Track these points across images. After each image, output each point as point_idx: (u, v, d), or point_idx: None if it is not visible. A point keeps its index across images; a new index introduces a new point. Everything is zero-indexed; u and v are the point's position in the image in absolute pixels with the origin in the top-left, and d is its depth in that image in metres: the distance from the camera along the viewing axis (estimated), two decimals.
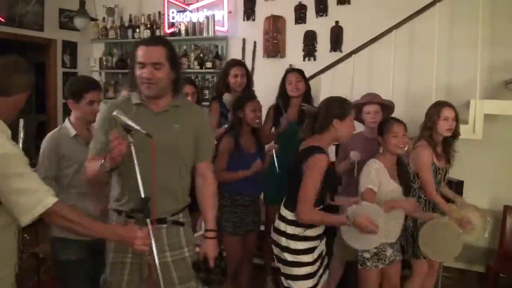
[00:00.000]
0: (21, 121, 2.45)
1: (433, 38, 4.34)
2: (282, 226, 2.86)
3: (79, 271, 2.73)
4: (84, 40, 6.82)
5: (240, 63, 4.20)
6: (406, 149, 3.29)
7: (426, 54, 4.60)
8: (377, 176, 3.13)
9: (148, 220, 2.06)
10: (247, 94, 3.80)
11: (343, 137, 2.90)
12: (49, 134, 2.88)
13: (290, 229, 2.82)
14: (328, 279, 3.61)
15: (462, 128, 3.89)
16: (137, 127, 2.11)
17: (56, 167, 2.79)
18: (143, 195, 2.07)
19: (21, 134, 2.43)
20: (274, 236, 2.92)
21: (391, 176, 3.19)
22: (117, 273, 2.39)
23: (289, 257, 2.82)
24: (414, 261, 3.52)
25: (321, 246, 2.97)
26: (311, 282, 2.83)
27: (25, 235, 4.64)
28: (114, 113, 2.14)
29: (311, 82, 4.52)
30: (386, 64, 4.59)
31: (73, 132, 2.83)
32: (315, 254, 2.87)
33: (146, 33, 6.35)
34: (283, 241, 2.84)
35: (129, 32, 6.51)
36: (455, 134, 3.48)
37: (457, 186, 3.91)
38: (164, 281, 2.14)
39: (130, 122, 2.12)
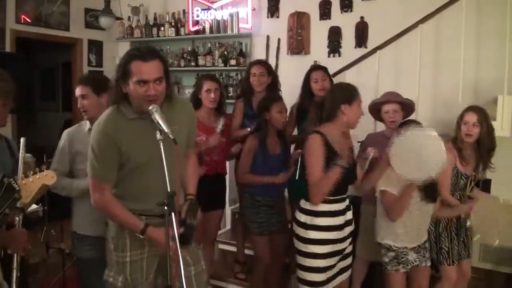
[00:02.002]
0: (22, 140, 2.47)
1: (460, 33, 4.25)
2: (297, 214, 2.90)
3: (93, 269, 2.76)
4: (110, 39, 6.90)
5: (258, 62, 4.16)
6: None
7: (452, 50, 4.51)
8: (397, 178, 3.05)
9: (172, 214, 2.09)
10: (273, 95, 3.80)
11: (352, 122, 2.89)
12: (66, 130, 2.97)
13: (302, 217, 2.86)
14: (352, 280, 3.60)
15: None
16: (167, 130, 2.15)
17: (70, 162, 2.87)
18: (169, 190, 2.10)
19: (21, 151, 2.44)
20: (294, 226, 2.95)
21: None
22: (138, 269, 2.45)
23: (300, 246, 2.84)
24: (441, 267, 3.42)
25: (342, 244, 2.93)
26: (321, 276, 2.80)
27: (52, 231, 4.74)
28: (150, 107, 2.20)
29: (335, 79, 4.49)
30: (412, 60, 4.51)
31: (88, 126, 2.87)
32: (329, 248, 2.83)
33: (171, 32, 6.40)
34: (297, 229, 2.87)
35: (154, 30, 6.55)
36: (484, 141, 3.33)
37: (485, 185, 3.83)
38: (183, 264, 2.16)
39: (162, 123, 2.17)
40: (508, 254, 4.50)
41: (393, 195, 3.05)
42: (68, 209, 3.04)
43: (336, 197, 2.88)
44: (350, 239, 2.98)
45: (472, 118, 3.29)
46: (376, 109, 3.68)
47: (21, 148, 2.45)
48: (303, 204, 2.87)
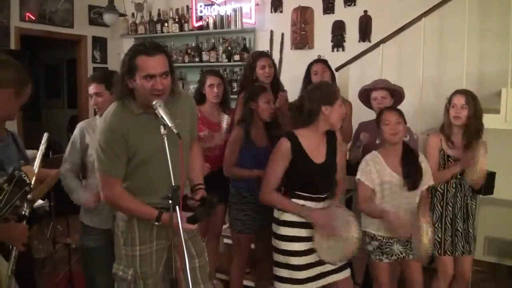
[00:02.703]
0: (45, 135, 2.51)
1: (463, 26, 4.24)
2: (274, 211, 2.90)
3: (97, 258, 2.91)
4: (114, 36, 6.93)
5: (265, 54, 4.16)
6: (405, 138, 3.16)
7: (456, 43, 4.50)
8: (374, 168, 3.06)
9: (177, 207, 2.11)
10: (260, 85, 3.70)
11: (335, 123, 2.81)
12: (79, 123, 3.07)
13: (275, 213, 2.86)
14: (355, 270, 3.57)
15: (494, 117, 3.82)
16: (171, 125, 2.16)
17: (81, 154, 2.97)
18: (173, 183, 2.12)
19: (42, 147, 2.48)
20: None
21: (392, 167, 3.08)
22: (148, 263, 2.49)
23: (273, 242, 2.85)
24: (436, 260, 3.37)
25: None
26: (298, 274, 2.76)
27: (58, 226, 4.78)
28: (155, 102, 2.22)
29: (339, 73, 4.49)
30: (416, 53, 4.51)
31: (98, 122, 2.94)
32: (301, 245, 2.78)
33: (175, 27, 6.43)
34: (272, 225, 2.88)
35: (158, 26, 6.57)
36: (471, 124, 3.25)
37: (489, 177, 3.82)
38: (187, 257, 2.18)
39: (166, 118, 2.18)
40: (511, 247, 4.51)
41: (369, 189, 3.06)
42: (74, 205, 3.11)
43: (311, 195, 2.82)
44: None
45: (459, 100, 3.25)
46: (365, 96, 3.70)
47: (42, 142, 2.50)
48: None
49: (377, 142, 3.20)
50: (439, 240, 3.29)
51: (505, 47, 4.08)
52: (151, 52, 2.25)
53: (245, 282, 4.14)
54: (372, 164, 3.09)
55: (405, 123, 3.13)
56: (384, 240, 3.09)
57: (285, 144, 2.76)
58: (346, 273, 2.91)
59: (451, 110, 3.29)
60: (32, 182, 2.29)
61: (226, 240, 4.76)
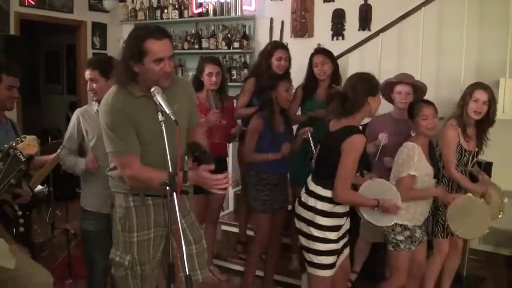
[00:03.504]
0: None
1: (462, 16, 4.24)
2: (311, 201, 2.88)
3: (96, 241, 2.97)
4: (114, 22, 6.90)
5: (285, 46, 4.17)
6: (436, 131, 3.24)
7: (455, 32, 4.50)
8: (419, 161, 3.10)
9: (174, 193, 2.12)
10: (278, 74, 3.82)
11: (374, 112, 2.96)
12: (77, 109, 3.10)
13: (320, 205, 2.85)
14: (354, 259, 3.64)
15: None
16: (169, 112, 2.17)
17: (79, 141, 3.00)
18: (171, 170, 2.13)
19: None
20: (299, 210, 2.95)
21: (428, 158, 3.16)
22: (145, 249, 2.51)
23: (315, 232, 2.84)
24: (435, 240, 3.49)
25: (346, 225, 2.99)
26: (332, 259, 2.87)
27: (57, 212, 4.81)
28: (152, 89, 2.24)
29: (339, 62, 4.48)
30: (415, 42, 4.52)
31: (96, 107, 2.97)
32: (340, 232, 2.90)
33: (174, 14, 6.40)
34: (311, 215, 2.87)
35: (158, 13, 6.55)
36: (488, 119, 3.36)
37: (486, 168, 3.85)
38: (184, 244, 2.20)
39: (164, 105, 2.20)
40: (508, 237, 4.53)
41: (414, 180, 3.12)
42: (73, 190, 3.14)
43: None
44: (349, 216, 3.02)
45: (483, 96, 3.29)
46: (388, 89, 3.68)
47: None
48: (322, 192, 2.85)
49: (412, 135, 3.23)
50: (442, 223, 3.39)
51: (504, 37, 4.09)
52: (159, 36, 2.27)
53: (242, 269, 4.18)
54: (417, 156, 3.11)
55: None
56: (413, 228, 3.16)
57: (363, 141, 2.79)
58: (347, 250, 3.07)
59: (472, 104, 3.31)
60: (34, 153, 2.33)
61: (223, 227, 4.81)
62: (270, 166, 3.58)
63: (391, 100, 3.70)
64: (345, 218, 2.93)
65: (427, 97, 3.48)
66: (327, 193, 2.82)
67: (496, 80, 4.09)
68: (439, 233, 3.41)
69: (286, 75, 4.01)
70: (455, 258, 3.63)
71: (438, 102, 3.27)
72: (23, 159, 2.22)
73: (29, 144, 2.40)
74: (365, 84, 2.85)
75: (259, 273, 4.01)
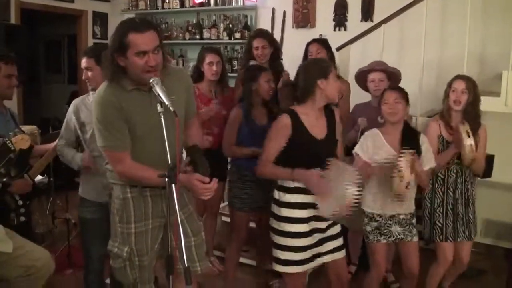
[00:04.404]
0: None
1: (465, 7, 4.21)
2: (275, 192, 2.87)
3: (93, 229, 2.99)
4: (115, 11, 6.88)
5: (261, 34, 4.07)
6: (403, 117, 3.12)
7: (458, 24, 4.47)
8: (372, 144, 3.07)
9: (173, 185, 2.11)
10: (258, 66, 3.73)
11: (332, 95, 2.80)
12: (74, 100, 3.06)
13: (276, 194, 2.84)
14: (349, 252, 3.58)
15: (494, 100, 3.81)
16: (167, 103, 2.15)
17: (76, 131, 2.98)
18: (169, 161, 2.11)
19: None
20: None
21: (391, 144, 3.08)
22: (143, 240, 2.49)
23: (274, 223, 2.83)
24: (435, 245, 3.37)
25: (319, 224, 2.83)
26: (298, 256, 2.77)
27: (58, 202, 4.82)
28: (151, 80, 2.21)
29: (340, 53, 4.46)
30: (417, 34, 4.48)
31: (91, 99, 2.93)
32: (304, 227, 2.77)
33: (175, 3, 6.38)
34: (272, 206, 2.87)
35: (159, 2, 6.53)
36: (467, 111, 3.25)
37: (488, 160, 3.83)
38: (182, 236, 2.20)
39: (163, 96, 2.17)
40: (508, 229, 4.53)
41: (362, 162, 3.07)
42: (73, 181, 3.14)
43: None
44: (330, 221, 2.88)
45: (460, 85, 3.25)
46: (362, 78, 3.69)
47: None
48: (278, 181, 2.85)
49: (380, 121, 3.19)
50: (440, 225, 3.31)
51: (507, 29, 4.05)
52: (141, 29, 2.22)
53: (243, 260, 4.19)
54: (371, 139, 3.10)
55: (407, 103, 3.12)
56: (383, 221, 3.11)
57: (285, 120, 2.74)
58: (342, 253, 2.93)
59: (451, 94, 3.28)
60: (26, 147, 2.33)
61: (224, 218, 4.80)
62: (251, 163, 3.30)
63: (366, 89, 3.71)
64: (303, 210, 2.77)
65: (428, 88, 3.48)
66: (280, 181, 2.83)
67: (499, 73, 4.06)
68: (437, 236, 3.31)
69: (277, 63, 3.98)
70: (460, 267, 3.51)
71: (439, 93, 3.26)
72: (12, 148, 2.23)
73: (22, 139, 2.43)
74: (314, 67, 2.80)
75: (252, 262, 4.07)
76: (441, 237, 3.31)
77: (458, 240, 3.31)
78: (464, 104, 3.24)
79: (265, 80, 3.45)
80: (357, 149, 3.14)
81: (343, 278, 2.99)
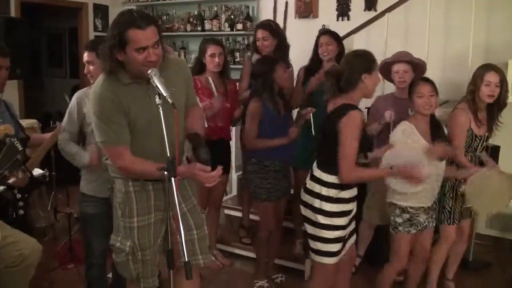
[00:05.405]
0: None
1: None
2: (317, 187, 2.81)
3: (94, 224, 2.98)
4: (115, 3, 6.82)
5: (261, 26, 4.02)
6: (435, 110, 3.15)
7: (463, 13, 4.41)
8: (404, 137, 3.04)
9: (172, 178, 2.08)
10: (271, 57, 3.71)
11: (371, 91, 2.84)
12: (76, 93, 3.04)
13: (326, 191, 2.79)
14: (358, 243, 3.59)
15: None
16: (166, 94, 2.12)
17: (79, 124, 2.96)
18: (169, 154, 2.09)
19: None
20: (305, 197, 2.89)
21: (424, 137, 3.07)
22: (146, 234, 2.48)
23: (322, 219, 2.79)
24: (441, 227, 3.41)
25: (354, 210, 2.94)
26: (338, 246, 2.82)
27: (59, 196, 4.79)
28: (149, 71, 2.18)
29: (343, 42, 4.39)
30: (422, 23, 4.41)
31: None
32: (348, 218, 2.84)
33: None
34: (317, 203, 2.81)
35: None
36: (500, 102, 3.25)
37: (493, 151, 3.79)
38: (184, 229, 2.18)
39: (161, 87, 2.14)
40: None
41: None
42: (75, 175, 3.12)
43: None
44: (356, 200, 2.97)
45: (495, 78, 3.19)
46: (386, 69, 3.63)
47: None
48: (326, 177, 2.79)
49: (410, 113, 3.18)
50: (449, 209, 3.34)
51: None
52: (142, 25, 2.17)
53: (245, 253, 4.17)
54: (408, 134, 3.07)
55: (437, 94, 3.12)
56: (413, 211, 3.09)
57: (359, 116, 2.72)
58: (353, 238, 3.03)
59: (484, 88, 3.21)
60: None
61: (226, 211, 4.78)
62: (271, 153, 3.47)
63: (391, 80, 3.66)
64: (352, 203, 2.86)
65: (433, 76, 3.40)
66: (332, 178, 2.77)
67: (505, 62, 4.01)
68: (445, 219, 3.35)
69: (279, 50, 3.93)
70: (461, 244, 3.59)
71: (445, 84, 3.22)
72: (20, 148, 2.17)
73: (5, 129, 2.40)
74: (360, 60, 2.79)
75: (254, 255, 4.03)
76: (449, 220, 3.36)
77: (461, 220, 3.39)
78: (497, 97, 3.21)
79: (282, 70, 3.49)
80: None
81: (353, 260, 3.14)
